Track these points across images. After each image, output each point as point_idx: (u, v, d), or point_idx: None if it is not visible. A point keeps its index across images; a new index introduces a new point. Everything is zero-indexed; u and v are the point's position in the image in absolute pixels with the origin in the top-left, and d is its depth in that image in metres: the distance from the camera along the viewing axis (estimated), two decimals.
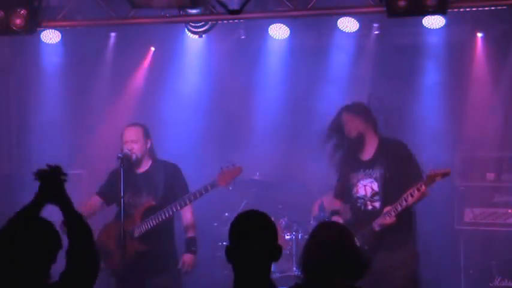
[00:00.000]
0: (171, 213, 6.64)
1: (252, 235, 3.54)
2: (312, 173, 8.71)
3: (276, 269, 7.98)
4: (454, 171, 8.27)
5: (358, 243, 6.11)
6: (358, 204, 6.48)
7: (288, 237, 7.95)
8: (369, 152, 6.53)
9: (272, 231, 3.59)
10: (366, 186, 6.45)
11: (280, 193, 8.54)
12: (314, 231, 4.02)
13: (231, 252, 3.56)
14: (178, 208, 6.64)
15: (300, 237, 7.91)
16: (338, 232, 3.97)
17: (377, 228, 6.28)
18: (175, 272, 6.73)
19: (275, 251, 3.57)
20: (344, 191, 6.62)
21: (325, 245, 3.88)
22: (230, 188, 6.73)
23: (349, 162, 6.57)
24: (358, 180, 6.49)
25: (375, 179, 6.42)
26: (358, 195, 6.48)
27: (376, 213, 6.36)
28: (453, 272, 8.20)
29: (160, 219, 6.62)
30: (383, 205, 6.33)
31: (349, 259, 3.86)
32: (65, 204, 3.85)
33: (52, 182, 3.86)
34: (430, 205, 6.54)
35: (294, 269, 7.82)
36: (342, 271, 3.83)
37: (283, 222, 8.07)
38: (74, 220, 3.85)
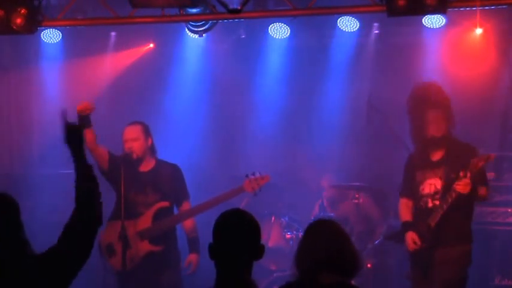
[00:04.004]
0: (192, 215, 6.71)
1: (234, 234, 3.52)
2: (313, 172, 8.72)
3: (276, 269, 8.00)
4: None
5: (418, 242, 6.26)
6: (421, 203, 6.45)
7: (289, 236, 7.96)
8: (439, 153, 6.47)
9: (255, 231, 3.57)
10: (431, 185, 6.42)
11: (280, 193, 8.53)
12: (309, 228, 4.02)
13: (213, 251, 3.55)
14: (202, 211, 6.69)
15: (300, 236, 7.91)
16: (333, 229, 3.96)
17: (433, 224, 6.29)
18: (177, 269, 6.76)
19: (257, 251, 3.56)
20: (412, 189, 6.51)
21: (319, 242, 3.87)
22: (255, 195, 6.92)
23: (419, 160, 6.51)
24: (425, 179, 6.43)
25: (440, 178, 6.39)
26: (423, 193, 6.43)
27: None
28: None
29: (178, 221, 6.68)
30: (442, 202, 6.33)
31: (342, 257, 3.84)
32: (78, 150, 4.06)
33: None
34: None
35: None
36: (335, 269, 3.81)
37: (284, 222, 8.08)
38: (83, 168, 4.01)
